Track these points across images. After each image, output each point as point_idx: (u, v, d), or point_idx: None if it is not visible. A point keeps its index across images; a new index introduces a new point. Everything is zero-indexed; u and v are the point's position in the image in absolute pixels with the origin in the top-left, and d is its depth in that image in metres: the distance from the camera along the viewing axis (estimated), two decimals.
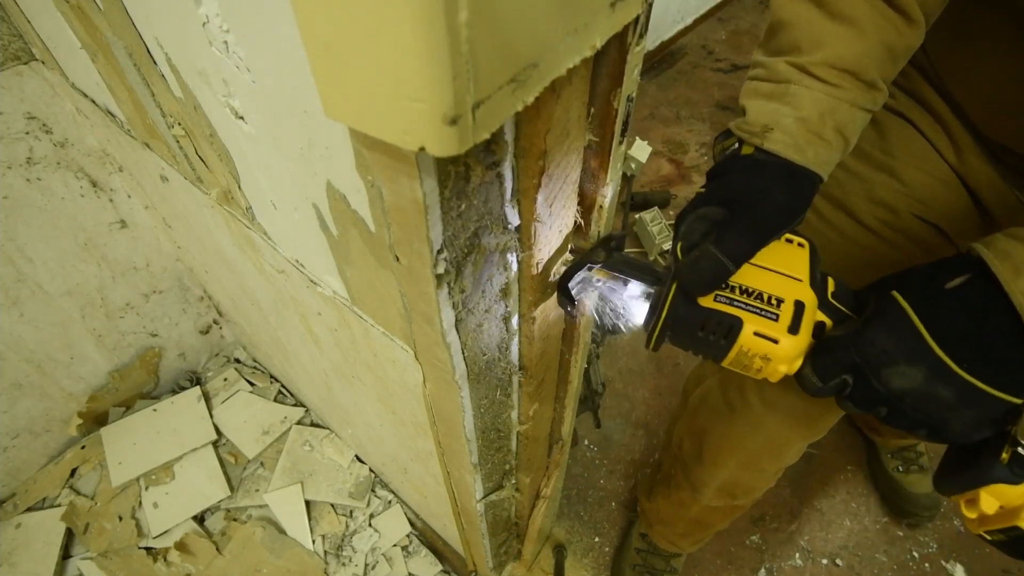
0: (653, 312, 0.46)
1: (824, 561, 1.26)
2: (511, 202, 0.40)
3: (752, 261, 0.46)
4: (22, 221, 1.01)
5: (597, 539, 1.27)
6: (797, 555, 1.27)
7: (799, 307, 0.43)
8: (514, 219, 0.42)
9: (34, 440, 1.23)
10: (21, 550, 1.14)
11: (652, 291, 0.48)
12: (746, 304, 0.44)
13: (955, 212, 0.62)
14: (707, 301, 0.44)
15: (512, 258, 0.45)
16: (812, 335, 0.44)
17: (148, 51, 0.50)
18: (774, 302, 0.43)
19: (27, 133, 0.95)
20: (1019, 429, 0.38)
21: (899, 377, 0.40)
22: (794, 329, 0.42)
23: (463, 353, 0.46)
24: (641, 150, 1.78)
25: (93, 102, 0.82)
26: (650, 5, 0.35)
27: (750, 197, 0.46)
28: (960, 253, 0.43)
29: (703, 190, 0.49)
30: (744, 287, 0.44)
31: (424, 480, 0.87)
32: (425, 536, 1.22)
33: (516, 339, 0.54)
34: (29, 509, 1.20)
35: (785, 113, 0.48)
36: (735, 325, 0.43)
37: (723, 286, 0.45)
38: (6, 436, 1.18)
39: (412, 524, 1.22)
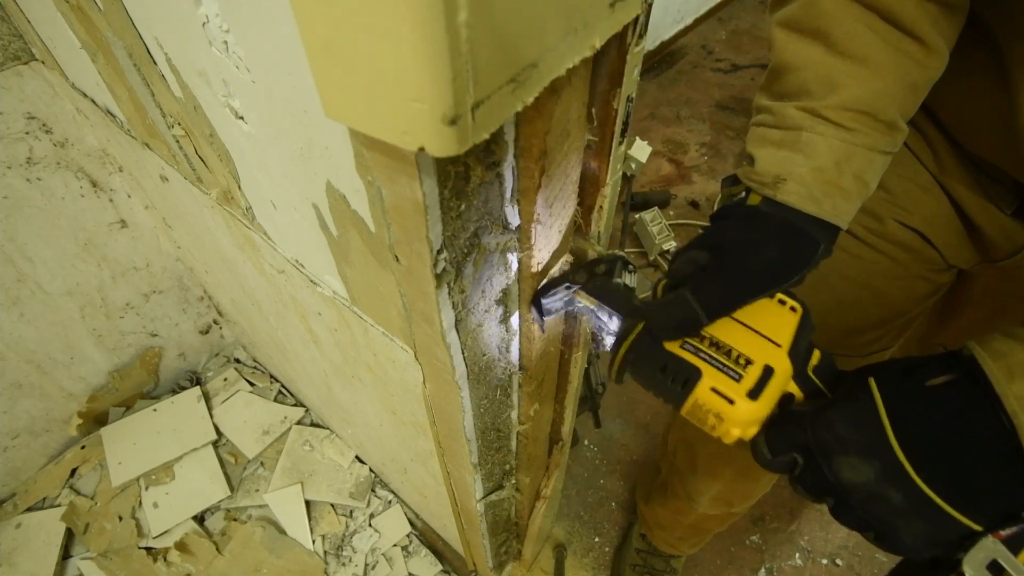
0: (617, 344, 0.45)
1: (824, 561, 1.26)
2: (511, 202, 0.40)
3: (734, 316, 0.44)
4: (22, 221, 1.01)
5: (597, 539, 1.27)
6: (797, 555, 1.27)
7: (767, 372, 0.41)
8: (514, 219, 0.42)
9: (34, 440, 1.23)
10: (21, 550, 1.14)
11: (624, 321, 0.46)
12: (710, 357, 0.42)
13: (937, 219, 0.62)
14: (672, 345, 0.43)
15: (512, 258, 0.45)
16: (779, 406, 0.41)
17: (148, 51, 0.50)
18: (742, 361, 0.41)
19: (27, 133, 0.95)
20: (965, 560, 0.34)
21: (850, 469, 0.36)
22: (754, 394, 0.40)
23: (463, 353, 0.46)
24: (641, 150, 1.78)
25: (93, 102, 0.82)
26: (650, 5, 0.35)
27: (741, 249, 0.44)
28: (953, 351, 0.39)
29: (702, 232, 0.48)
30: (715, 339, 0.43)
31: (424, 480, 0.87)
32: (425, 536, 1.22)
33: (516, 339, 0.54)
34: (29, 509, 1.20)
35: (798, 162, 0.46)
36: (693, 376, 0.41)
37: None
38: (6, 436, 1.18)
39: (412, 524, 1.22)
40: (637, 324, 0.44)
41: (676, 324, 0.42)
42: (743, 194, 0.49)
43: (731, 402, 0.40)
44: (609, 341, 0.49)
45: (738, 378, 0.40)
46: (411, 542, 1.20)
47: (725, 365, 0.41)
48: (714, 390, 0.40)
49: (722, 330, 0.43)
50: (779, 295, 0.45)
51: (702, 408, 0.41)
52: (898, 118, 0.47)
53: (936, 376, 0.37)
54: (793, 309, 0.44)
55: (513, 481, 0.82)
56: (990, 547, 0.33)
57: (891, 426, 0.36)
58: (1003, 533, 0.33)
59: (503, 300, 0.48)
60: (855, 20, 0.45)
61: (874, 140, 0.46)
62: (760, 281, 0.44)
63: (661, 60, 2.61)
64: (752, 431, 0.41)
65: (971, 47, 0.50)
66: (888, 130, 0.47)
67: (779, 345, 0.42)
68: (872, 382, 0.38)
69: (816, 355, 0.43)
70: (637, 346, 0.44)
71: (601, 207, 0.49)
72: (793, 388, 0.42)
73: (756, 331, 0.43)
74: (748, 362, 0.41)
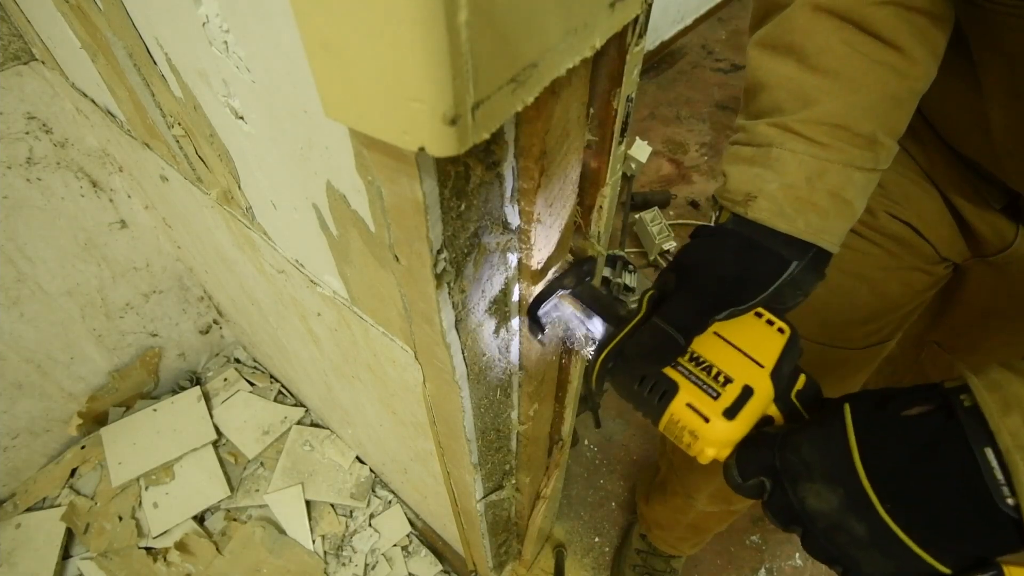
0: (597, 353, 0.44)
1: None
2: (511, 202, 0.40)
3: (719, 332, 0.43)
4: (22, 221, 1.01)
5: (597, 539, 1.27)
6: (797, 555, 1.27)
7: (746, 392, 0.39)
8: (514, 219, 0.42)
9: (34, 440, 1.23)
10: (21, 550, 1.14)
11: (607, 329, 0.46)
12: (689, 372, 0.41)
13: (928, 213, 0.62)
14: None
15: (512, 258, 0.45)
16: (756, 428, 0.40)
17: (148, 51, 0.50)
18: (721, 379, 0.40)
19: (27, 133, 0.95)
20: None
21: (814, 496, 0.35)
22: (730, 414, 0.39)
23: (463, 353, 0.46)
24: (641, 150, 1.77)
25: (93, 102, 0.82)
26: (650, 5, 0.35)
27: (697, 269, 0.44)
28: (932, 384, 0.37)
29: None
30: (696, 355, 0.42)
31: (424, 480, 0.87)
32: (425, 536, 1.22)
33: (516, 339, 0.54)
34: (29, 509, 1.20)
35: (768, 179, 0.45)
36: (670, 390, 0.40)
37: None
38: (6, 436, 1.18)
39: (412, 524, 1.22)
40: (618, 334, 0.43)
41: (658, 353, 0.41)
42: (718, 212, 0.49)
43: (706, 420, 0.39)
44: (590, 346, 0.48)
45: (716, 396, 0.39)
46: (411, 542, 1.20)
47: (703, 382, 0.40)
48: (689, 406, 0.39)
49: (705, 347, 0.42)
50: (767, 315, 0.44)
51: (677, 424, 0.40)
52: (878, 132, 0.45)
53: (913, 406, 0.35)
54: (781, 331, 0.43)
55: (513, 481, 0.82)
56: None
57: (859, 454, 0.34)
58: None
59: (503, 300, 0.48)
60: (829, 33, 0.44)
61: (850, 155, 0.44)
62: (719, 299, 0.42)
63: (661, 60, 2.61)
64: (726, 452, 0.40)
65: (950, 54, 0.50)
66: (867, 144, 0.45)
67: (762, 366, 0.41)
68: (846, 408, 0.36)
69: (802, 380, 0.42)
70: (616, 356, 0.43)
71: (601, 207, 0.49)
72: (773, 411, 0.41)
73: (740, 350, 0.42)
74: (728, 380, 0.40)
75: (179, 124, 0.58)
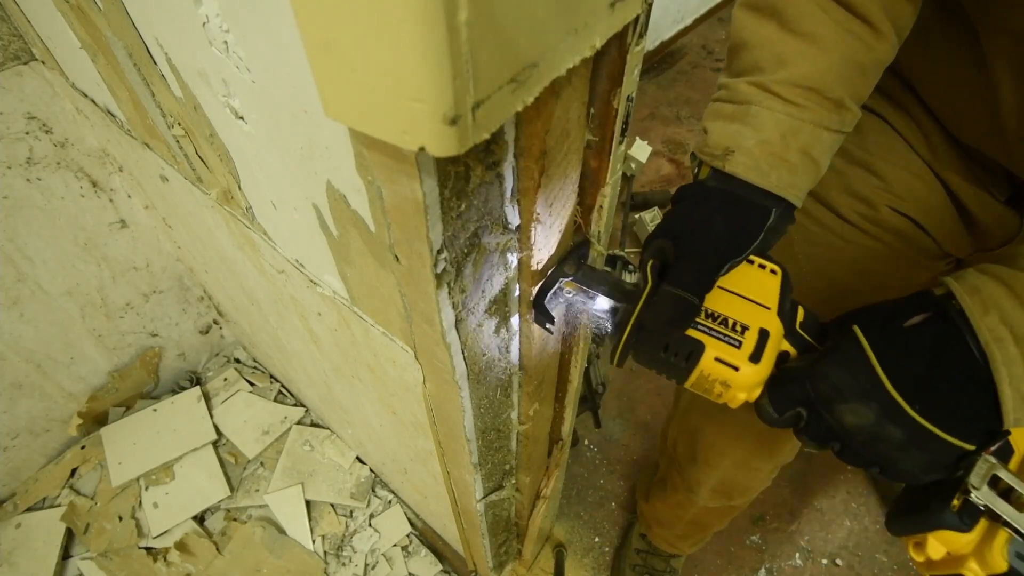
0: (618, 330, 0.46)
1: (824, 561, 1.26)
2: (511, 202, 0.40)
3: (722, 285, 0.45)
4: (22, 221, 1.01)
5: (597, 539, 1.27)
6: (797, 555, 1.27)
7: (763, 335, 0.43)
8: (514, 219, 0.42)
9: (34, 440, 1.23)
10: (21, 550, 1.14)
11: (620, 306, 0.47)
12: (710, 329, 0.43)
13: (930, 206, 0.62)
14: None
15: (512, 258, 0.45)
16: (775, 364, 0.43)
17: (148, 51, 0.50)
18: (739, 329, 0.43)
19: (27, 133, 0.95)
20: (971, 477, 0.37)
21: (851, 414, 0.39)
22: (756, 358, 0.42)
23: (463, 353, 0.46)
24: (641, 150, 1.78)
25: (93, 102, 0.82)
26: (650, 5, 0.35)
27: (692, 231, 0.46)
28: (923, 291, 0.42)
29: (665, 215, 0.50)
30: (710, 311, 0.44)
31: (424, 480, 0.87)
32: (425, 536, 1.22)
33: (516, 339, 0.54)
34: (29, 509, 1.20)
35: (746, 135, 0.48)
36: (697, 349, 0.43)
37: None
38: (6, 436, 1.18)
39: (412, 524, 1.22)
40: (634, 309, 0.45)
41: (678, 319, 0.43)
42: (697, 168, 0.52)
43: (735, 369, 0.42)
44: (603, 326, 0.49)
45: (738, 345, 0.42)
46: (411, 542, 1.20)
47: (724, 334, 0.43)
48: (718, 359, 0.42)
49: (714, 301, 0.45)
50: (758, 260, 0.47)
51: (708, 378, 0.43)
52: (845, 97, 0.48)
53: (912, 317, 0.40)
54: (773, 272, 0.46)
55: (513, 481, 0.82)
56: (989, 464, 0.37)
57: (882, 369, 0.39)
58: (991, 449, 0.38)
59: (503, 300, 0.48)
60: (808, 0, 0.47)
61: (820, 116, 0.47)
62: (719, 256, 0.45)
63: (661, 60, 2.61)
64: (757, 393, 0.43)
65: (955, 38, 0.51)
66: (835, 108, 0.48)
67: (768, 308, 0.44)
68: (858, 330, 0.40)
69: (800, 312, 0.46)
70: (638, 328, 0.45)
71: (601, 207, 0.49)
72: (786, 346, 0.44)
73: (745, 297, 0.45)
74: (744, 328, 0.43)
75: (179, 124, 0.58)
